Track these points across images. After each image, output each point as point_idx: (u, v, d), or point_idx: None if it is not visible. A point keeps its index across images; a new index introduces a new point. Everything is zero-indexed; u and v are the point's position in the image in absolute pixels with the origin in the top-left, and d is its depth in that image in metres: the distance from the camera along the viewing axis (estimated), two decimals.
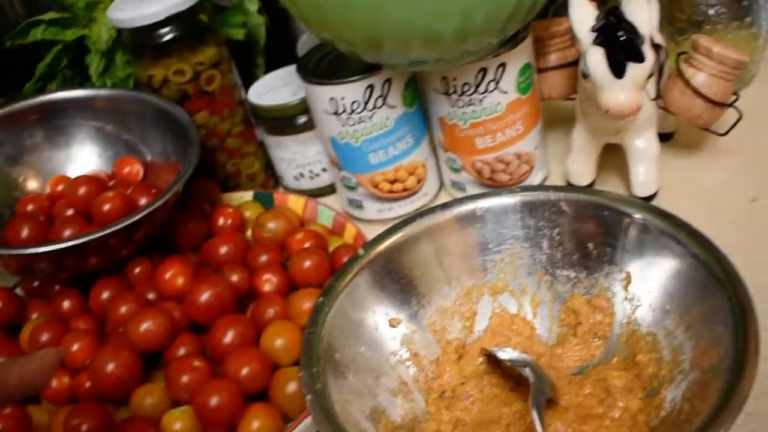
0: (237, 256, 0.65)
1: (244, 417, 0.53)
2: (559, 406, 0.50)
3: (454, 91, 0.65)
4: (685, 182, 0.70)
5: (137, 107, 0.72)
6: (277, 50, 0.84)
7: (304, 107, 0.73)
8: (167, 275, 0.61)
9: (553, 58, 0.71)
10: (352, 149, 0.68)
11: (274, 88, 0.76)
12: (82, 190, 0.67)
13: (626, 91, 0.57)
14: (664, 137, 0.73)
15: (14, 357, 0.61)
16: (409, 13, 0.54)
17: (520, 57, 0.64)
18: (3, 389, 0.57)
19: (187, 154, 0.65)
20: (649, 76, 0.59)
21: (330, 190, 0.79)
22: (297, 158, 0.77)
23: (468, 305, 0.58)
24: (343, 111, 0.66)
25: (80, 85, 0.79)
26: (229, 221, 0.70)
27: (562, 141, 0.77)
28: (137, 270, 0.65)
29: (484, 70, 0.63)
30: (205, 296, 0.58)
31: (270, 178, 0.81)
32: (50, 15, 0.74)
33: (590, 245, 0.55)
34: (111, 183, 0.70)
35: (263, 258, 0.65)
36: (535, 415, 0.45)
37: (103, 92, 0.73)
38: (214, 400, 0.52)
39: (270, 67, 0.81)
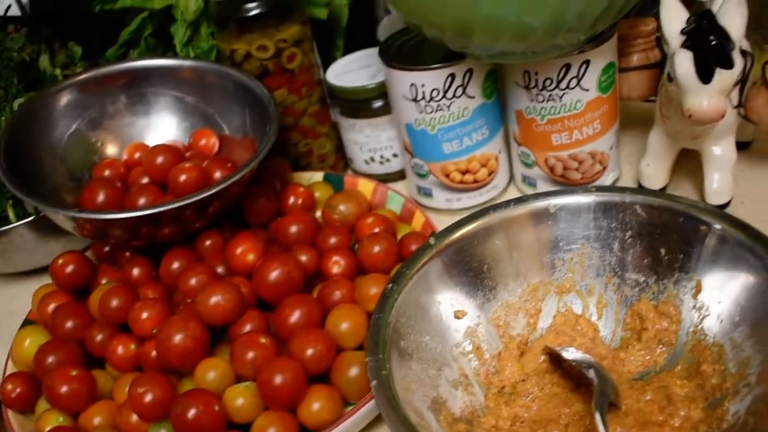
0: (307, 236, 0.66)
1: (305, 397, 0.53)
2: (620, 411, 0.50)
3: (535, 86, 0.64)
4: (759, 193, 0.69)
5: (218, 80, 0.73)
6: (358, 32, 0.84)
7: (380, 91, 0.73)
8: (238, 250, 0.62)
9: (636, 59, 0.70)
10: (427, 137, 0.68)
11: (351, 70, 0.77)
12: (159, 160, 0.69)
13: (712, 97, 0.56)
14: (742, 146, 0.71)
15: None
16: (502, 6, 0.54)
17: (604, 55, 0.64)
18: None
19: (264, 131, 0.66)
20: (736, 83, 0.58)
21: (399, 176, 0.79)
22: (369, 142, 0.77)
23: (533, 302, 0.58)
24: (422, 98, 0.66)
25: (163, 54, 0.80)
26: (300, 200, 0.70)
27: (634, 142, 0.76)
28: (208, 243, 0.66)
29: (568, 66, 0.63)
30: (274, 274, 0.59)
31: (340, 160, 0.82)
32: None
33: (662, 251, 0.55)
34: (187, 154, 0.72)
35: (332, 240, 0.65)
36: (598, 417, 0.45)
37: (187, 63, 0.75)
38: (277, 379, 0.52)
39: (349, 49, 0.82)
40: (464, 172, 0.70)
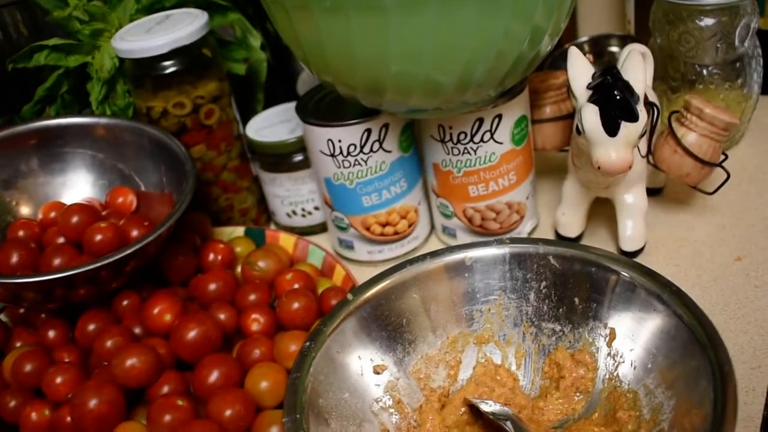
0: (226, 294, 0.65)
1: None
2: None
3: (450, 139, 0.65)
4: (672, 238, 0.71)
5: (135, 137, 0.72)
6: (277, 87, 0.85)
7: (300, 145, 0.73)
8: (155, 310, 0.61)
9: (548, 111, 0.72)
10: (346, 191, 0.69)
11: (272, 125, 0.77)
12: (74, 219, 0.67)
13: (619, 150, 0.58)
14: (653, 192, 0.74)
15: None
16: (412, 65, 0.55)
17: (516, 109, 0.65)
18: None
19: (181, 187, 0.66)
20: (642, 135, 0.60)
21: (321, 228, 0.79)
22: (290, 195, 0.77)
23: (453, 354, 0.58)
24: (340, 153, 0.66)
25: (79, 112, 0.79)
26: (220, 257, 0.70)
27: (552, 190, 0.78)
28: (125, 303, 0.65)
29: (481, 121, 0.64)
30: (191, 334, 0.58)
31: (262, 213, 0.82)
32: (54, 41, 0.75)
33: (576, 300, 0.56)
34: (104, 213, 0.71)
35: (252, 297, 0.65)
36: None
37: (102, 121, 0.74)
38: None
39: (269, 103, 0.82)
40: (384, 225, 0.70)
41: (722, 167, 0.67)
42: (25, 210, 0.74)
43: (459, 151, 0.66)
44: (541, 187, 0.77)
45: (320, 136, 0.66)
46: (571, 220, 0.70)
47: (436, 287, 0.58)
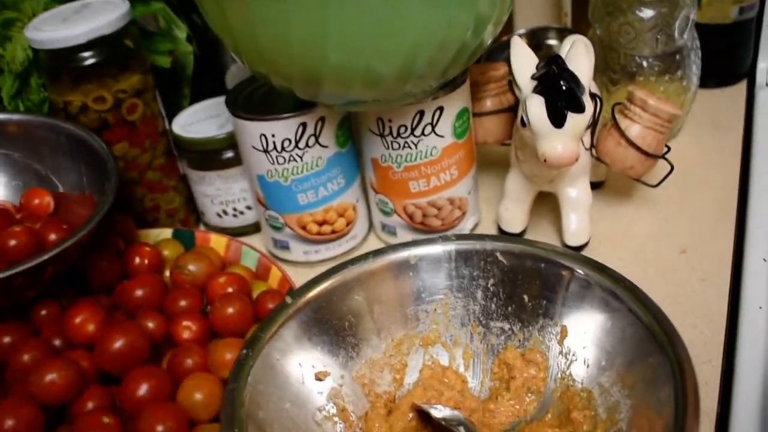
0: (154, 300, 0.61)
1: None
2: None
3: (390, 133, 0.63)
4: (615, 232, 0.70)
5: (51, 135, 0.67)
6: (205, 81, 0.80)
7: (230, 141, 0.70)
8: (77, 320, 0.56)
9: (489, 104, 0.70)
10: (281, 188, 0.65)
11: (199, 120, 0.73)
12: None
13: (565, 142, 0.56)
14: (595, 186, 0.72)
15: None
16: (351, 54, 0.52)
17: (457, 101, 0.63)
18: None
19: (103, 188, 0.61)
20: (588, 126, 0.59)
21: (254, 229, 0.76)
22: (221, 194, 0.73)
23: (398, 357, 0.56)
24: (273, 148, 0.63)
25: None
26: (146, 261, 0.65)
27: (493, 186, 0.76)
28: (43, 313, 0.60)
29: (422, 113, 0.61)
30: (117, 344, 0.54)
31: (191, 214, 0.77)
32: None
33: (525, 297, 0.54)
34: (18, 216, 0.66)
35: (182, 303, 0.61)
36: None
37: (15, 117, 0.69)
38: None
39: (196, 98, 0.78)
40: (321, 223, 0.67)
41: (666, 159, 0.66)
42: None
43: (399, 145, 0.63)
44: (482, 182, 0.75)
45: (252, 131, 0.63)
46: (514, 215, 0.68)
47: (380, 287, 0.55)
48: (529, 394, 0.53)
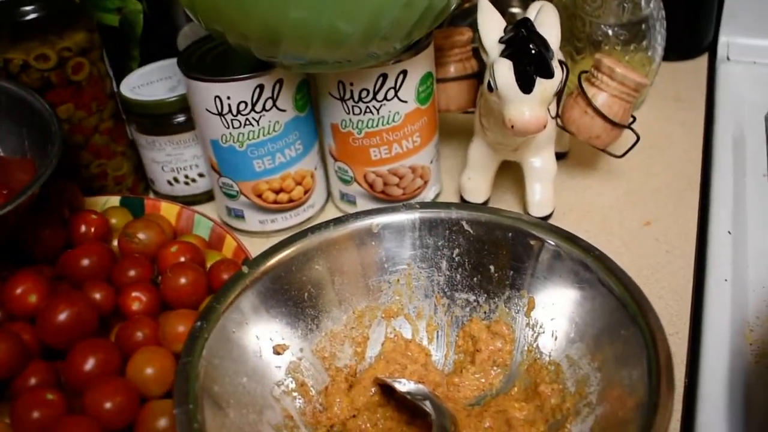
0: (101, 270, 0.57)
1: None
2: None
3: (351, 97, 0.60)
4: (579, 203, 0.69)
5: None
6: (155, 42, 0.77)
7: (182, 105, 0.66)
8: (17, 291, 0.53)
9: (453, 69, 0.68)
10: (236, 154, 0.62)
11: (149, 83, 0.70)
12: None
13: (533, 108, 0.54)
14: (558, 156, 0.71)
15: None
16: (313, 11, 0.49)
17: (421, 65, 0.61)
18: None
19: (45, 152, 0.58)
20: (557, 93, 0.57)
21: (207, 197, 0.73)
22: (172, 161, 0.70)
23: (360, 329, 0.54)
24: (228, 111, 0.60)
25: None
26: (92, 229, 0.62)
27: (454, 155, 0.74)
28: None
29: (385, 77, 0.59)
30: (61, 317, 0.50)
31: (140, 182, 0.74)
32: None
33: (492, 267, 0.53)
34: None
35: (131, 273, 0.57)
36: None
37: None
38: None
39: (145, 61, 0.74)
40: (278, 191, 0.65)
41: (632, 129, 0.65)
42: None
43: (360, 110, 0.61)
44: (444, 151, 0.73)
45: (206, 93, 0.60)
46: (477, 184, 0.67)
47: (341, 257, 0.53)
48: (495, 368, 0.52)
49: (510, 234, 0.52)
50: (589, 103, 0.63)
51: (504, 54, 0.55)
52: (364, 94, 0.60)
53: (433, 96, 0.64)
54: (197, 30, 0.68)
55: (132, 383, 0.49)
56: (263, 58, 0.57)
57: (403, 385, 0.49)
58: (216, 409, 0.43)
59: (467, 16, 0.78)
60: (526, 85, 0.54)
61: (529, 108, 0.54)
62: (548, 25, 0.57)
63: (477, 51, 0.63)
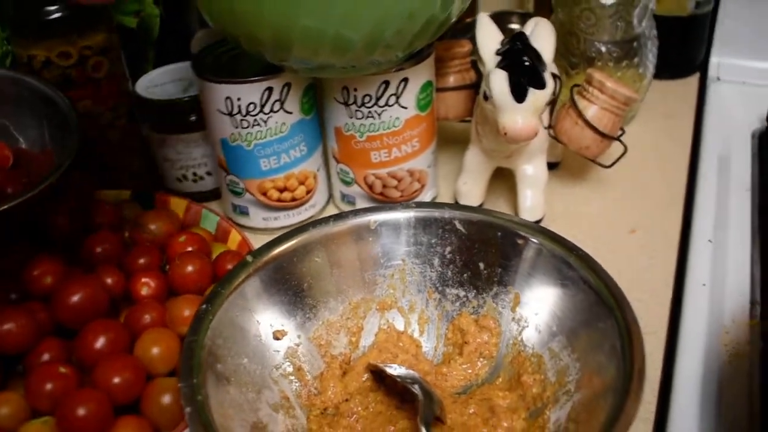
0: (113, 257, 0.61)
1: (113, 430, 0.49)
2: (445, 426, 0.50)
3: (354, 102, 0.64)
4: (569, 211, 0.72)
5: (13, 88, 0.66)
6: (170, 45, 0.80)
7: (193, 105, 0.70)
8: (35, 272, 0.56)
9: (452, 80, 0.71)
10: (243, 153, 0.66)
11: (163, 83, 0.73)
12: None
13: (525, 116, 0.58)
14: (551, 166, 0.74)
15: None
16: (321, 19, 0.53)
17: (422, 74, 0.64)
18: None
19: (65, 144, 0.61)
20: (548, 103, 0.60)
21: (213, 195, 0.76)
22: (181, 159, 0.73)
23: (355, 320, 0.56)
24: (238, 112, 0.63)
25: None
26: (106, 219, 0.65)
27: (451, 162, 0.77)
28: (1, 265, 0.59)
29: (387, 83, 0.62)
30: (75, 298, 0.54)
31: (151, 177, 0.77)
32: None
33: (481, 265, 0.55)
34: None
35: (141, 260, 0.61)
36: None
37: None
38: (80, 411, 0.47)
39: (160, 63, 0.78)
40: (282, 190, 0.68)
41: (620, 141, 0.68)
42: None
43: (363, 114, 0.64)
44: (441, 158, 0.76)
45: (218, 94, 0.63)
46: (472, 189, 0.70)
47: (340, 251, 0.56)
48: (481, 359, 0.55)
49: (499, 233, 0.54)
50: (580, 114, 0.66)
51: (500, 65, 0.59)
52: (366, 99, 0.63)
53: (432, 104, 0.67)
54: (210, 35, 0.71)
55: (139, 361, 0.52)
56: (275, 62, 0.61)
57: (394, 370, 0.52)
58: (218, 385, 0.46)
59: (468, 30, 0.81)
60: (519, 94, 0.57)
61: (521, 116, 0.58)
62: (542, 39, 0.60)
63: (476, 63, 0.67)
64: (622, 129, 0.68)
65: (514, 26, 0.92)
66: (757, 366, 0.55)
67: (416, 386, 0.49)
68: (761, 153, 0.78)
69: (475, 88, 0.71)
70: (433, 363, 0.56)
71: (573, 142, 0.67)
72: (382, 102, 0.63)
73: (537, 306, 0.53)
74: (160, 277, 0.59)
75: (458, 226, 0.56)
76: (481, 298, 0.56)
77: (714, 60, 0.91)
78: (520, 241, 0.54)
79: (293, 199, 0.69)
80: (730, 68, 0.91)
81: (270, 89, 0.62)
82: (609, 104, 0.66)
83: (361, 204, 0.70)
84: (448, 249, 0.56)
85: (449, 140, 0.80)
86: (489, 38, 0.61)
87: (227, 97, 0.63)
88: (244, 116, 0.63)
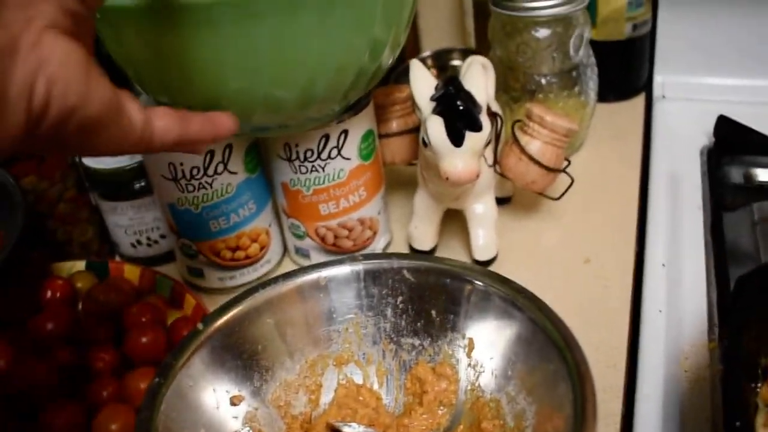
0: (65, 332, 0.60)
1: None
2: None
3: (297, 157, 0.64)
4: (523, 244, 0.72)
5: None
6: None
7: (141, 171, 0.70)
8: None
9: (395, 125, 0.71)
10: (192, 216, 0.65)
11: None
12: None
13: (465, 160, 0.58)
14: (503, 201, 0.75)
15: None
16: (250, 81, 0.53)
17: (362, 124, 0.64)
18: None
19: (10, 222, 0.61)
20: (487, 144, 0.61)
21: (170, 257, 0.76)
22: (134, 224, 0.73)
23: (313, 377, 0.56)
24: (182, 177, 0.63)
25: None
26: (58, 294, 0.65)
27: (404, 205, 0.77)
28: None
29: (327, 137, 0.63)
30: (28, 380, 0.53)
31: (105, 245, 0.77)
32: None
33: (433, 312, 0.56)
34: None
35: (95, 334, 0.60)
36: None
37: None
38: None
39: None
40: (234, 249, 0.68)
41: (566, 173, 0.68)
42: None
43: (307, 169, 0.64)
44: (393, 201, 0.77)
45: (160, 160, 0.63)
46: (423, 233, 0.70)
47: (291, 310, 0.56)
48: (441, 407, 0.54)
49: (448, 279, 0.55)
50: (522, 150, 0.67)
51: (435, 111, 0.59)
52: (309, 154, 0.64)
53: (375, 152, 0.68)
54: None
55: None
56: None
57: (353, 429, 0.52)
58: None
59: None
60: (456, 139, 0.58)
61: (461, 160, 0.58)
62: (475, 80, 0.60)
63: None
64: (567, 160, 0.69)
65: (457, 62, 0.93)
66: (717, 389, 0.55)
67: None
68: (710, 170, 0.78)
69: (419, 131, 0.71)
70: (394, 415, 0.56)
71: (519, 178, 0.68)
72: (324, 155, 0.64)
73: (491, 350, 0.53)
74: (115, 350, 0.59)
75: (407, 275, 0.56)
76: (437, 346, 0.56)
77: (658, 79, 0.93)
78: (468, 286, 0.54)
79: (247, 257, 0.69)
80: (675, 86, 0.92)
81: (212, 152, 0.62)
82: (550, 137, 0.66)
83: (315, 256, 0.70)
84: (400, 299, 0.56)
85: (400, 183, 0.80)
86: (422, 84, 0.61)
87: (170, 163, 0.63)
88: (189, 180, 0.63)
